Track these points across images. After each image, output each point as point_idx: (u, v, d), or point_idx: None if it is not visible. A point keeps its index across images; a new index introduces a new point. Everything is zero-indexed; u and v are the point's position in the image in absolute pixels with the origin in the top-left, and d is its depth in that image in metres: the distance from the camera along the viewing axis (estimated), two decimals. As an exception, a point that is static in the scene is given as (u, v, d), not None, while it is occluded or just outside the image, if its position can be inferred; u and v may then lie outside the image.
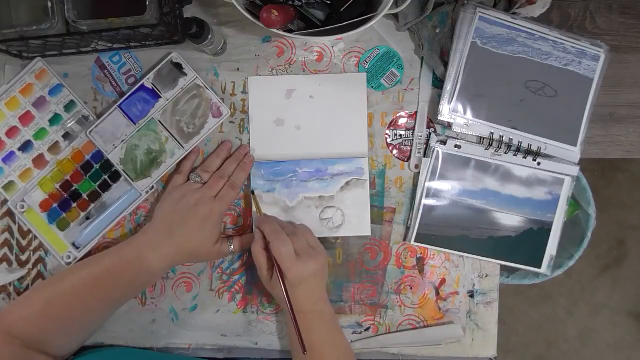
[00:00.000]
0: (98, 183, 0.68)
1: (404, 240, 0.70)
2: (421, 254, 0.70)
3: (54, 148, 0.68)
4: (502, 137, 0.67)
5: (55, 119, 0.68)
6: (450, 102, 0.67)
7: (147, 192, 0.68)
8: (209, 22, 0.61)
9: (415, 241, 0.69)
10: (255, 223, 0.64)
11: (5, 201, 0.68)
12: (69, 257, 0.68)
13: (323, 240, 0.69)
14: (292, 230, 0.63)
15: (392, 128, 0.70)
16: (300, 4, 0.60)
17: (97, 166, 0.68)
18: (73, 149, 0.68)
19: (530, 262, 0.69)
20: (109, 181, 0.68)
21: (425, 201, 0.68)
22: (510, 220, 0.68)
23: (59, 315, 0.60)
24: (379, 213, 0.69)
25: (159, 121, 0.67)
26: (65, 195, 0.68)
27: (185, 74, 0.67)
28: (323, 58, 0.69)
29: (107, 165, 0.68)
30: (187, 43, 0.67)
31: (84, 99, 0.69)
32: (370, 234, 0.69)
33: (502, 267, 0.70)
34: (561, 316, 1.56)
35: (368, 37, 0.69)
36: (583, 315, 1.56)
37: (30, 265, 0.69)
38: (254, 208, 0.68)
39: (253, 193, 0.68)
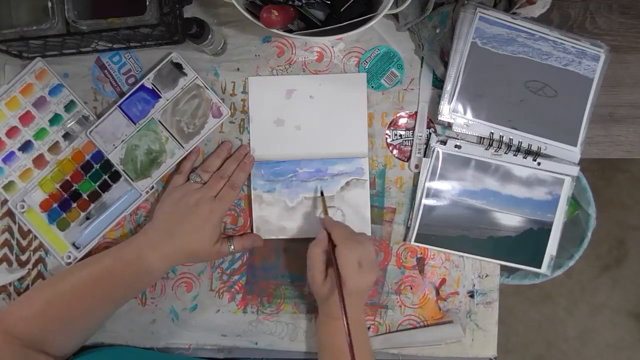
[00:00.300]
0: (98, 183, 0.68)
1: (404, 240, 0.70)
2: (421, 254, 0.70)
3: (54, 148, 0.68)
4: (502, 137, 0.67)
5: (55, 119, 0.68)
6: (450, 102, 0.67)
7: (147, 192, 0.68)
8: (209, 22, 0.61)
9: (415, 241, 0.69)
10: (323, 223, 0.63)
11: (5, 201, 0.68)
12: (69, 257, 0.68)
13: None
14: (359, 239, 0.61)
15: (392, 128, 0.70)
16: (300, 4, 0.60)
17: (97, 166, 0.68)
18: (73, 149, 0.68)
19: (530, 262, 0.69)
20: (109, 181, 0.68)
21: (425, 201, 0.68)
22: (510, 220, 0.68)
23: (59, 315, 0.60)
24: (379, 213, 0.69)
25: (159, 121, 0.67)
26: (65, 195, 0.68)
27: (185, 74, 0.67)
28: (323, 58, 0.69)
29: (107, 165, 0.68)
30: (187, 43, 0.67)
31: (84, 99, 0.69)
32: (370, 234, 0.69)
33: (502, 267, 0.70)
34: (561, 316, 1.56)
35: (368, 37, 0.69)
36: (583, 315, 1.56)
37: (30, 265, 0.69)
38: (319, 209, 0.68)
39: (322, 194, 0.68)
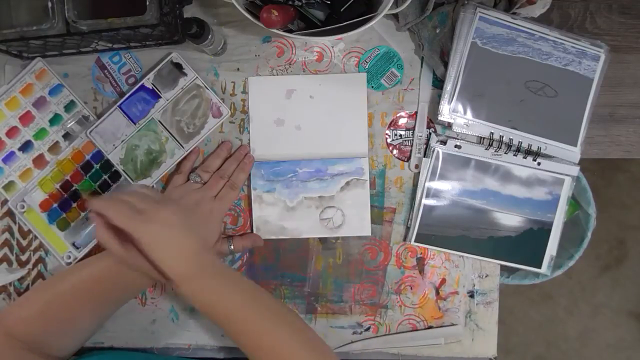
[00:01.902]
0: (98, 183, 0.68)
1: (404, 240, 0.70)
2: (421, 254, 0.70)
3: (54, 148, 0.68)
4: (502, 137, 0.67)
5: (55, 119, 0.68)
6: (450, 102, 0.67)
7: (147, 192, 0.68)
8: (209, 22, 0.61)
9: (415, 241, 0.69)
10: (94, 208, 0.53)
11: (5, 201, 0.68)
12: (69, 257, 0.68)
13: (323, 240, 0.69)
14: (127, 193, 0.55)
15: (392, 128, 0.70)
16: (300, 4, 0.60)
17: (97, 166, 0.68)
18: (73, 149, 0.68)
19: (530, 262, 0.69)
20: (109, 181, 0.68)
21: (425, 201, 0.68)
22: (510, 220, 0.68)
23: (59, 315, 0.60)
24: (379, 213, 0.69)
25: (159, 121, 0.68)
26: (66, 195, 0.68)
27: (185, 74, 0.67)
28: (323, 58, 0.69)
29: (107, 165, 0.68)
30: (187, 43, 0.67)
31: (84, 99, 0.69)
32: (370, 234, 0.69)
33: (502, 267, 0.70)
34: (561, 316, 1.56)
35: (368, 37, 0.69)
36: (583, 315, 1.56)
37: (30, 265, 0.69)
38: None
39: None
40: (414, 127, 0.69)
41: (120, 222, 0.51)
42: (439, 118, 0.67)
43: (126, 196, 0.54)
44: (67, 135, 0.68)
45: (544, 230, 0.69)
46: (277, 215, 0.69)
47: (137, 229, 0.51)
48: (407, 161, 0.70)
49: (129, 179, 0.67)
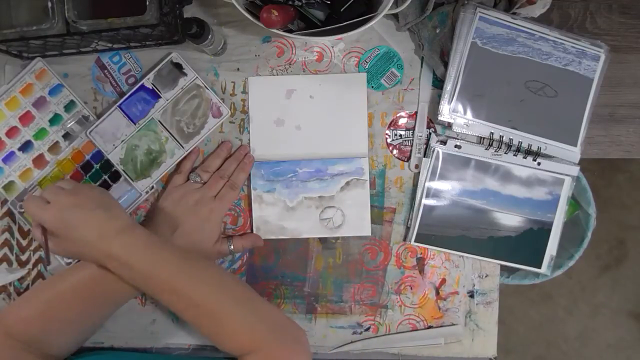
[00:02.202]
0: (98, 183, 0.68)
1: (404, 240, 0.70)
2: (421, 254, 0.70)
3: (54, 148, 0.68)
4: (502, 137, 0.67)
5: (55, 119, 0.68)
6: (450, 102, 0.67)
7: (147, 192, 0.68)
8: (209, 22, 0.61)
9: (415, 241, 0.69)
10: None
11: (5, 201, 0.68)
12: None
13: (323, 240, 0.69)
14: (45, 189, 0.58)
15: (392, 128, 0.70)
16: (300, 4, 0.60)
17: (97, 166, 0.68)
18: (73, 149, 0.68)
19: (530, 262, 0.69)
20: (109, 181, 0.68)
21: (425, 201, 0.68)
22: (510, 220, 0.68)
23: (59, 315, 0.60)
24: (379, 213, 0.69)
25: (159, 121, 0.67)
26: (65, 195, 0.68)
27: (185, 74, 0.67)
28: (323, 58, 0.69)
29: (107, 165, 0.68)
30: (187, 43, 0.67)
31: (84, 99, 0.69)
32: (370, 234, 0.69)
33: (502, 267, 0.70)
34: (561, 316, 1.56)
35: (368, 37, 0.69)
36: (583, 315, 1.56)
37: (30, 265, 0.69)
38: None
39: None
40: (414, 127, 0.69)
41: (31, 213, 0.56)
42: (439, 118, 0.67)
43: (44, 192, 0.57)
44: (67, 135, 0.68)
45: (544, 230, 0.69)
46: (277, 215, 0.69)
47: (42, 217, 0.55)
48: (407, 161, 0.70)
49: (128, 179, 0.67)
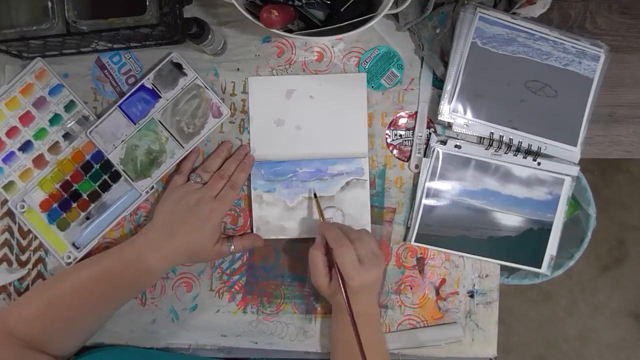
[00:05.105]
0: (98, 183, 0.68)
1: (404, 240, 0.70)
2: (421, 254, 0.70)
3: (54, 148, 0.68)
4: (502, 137, 0.67)
5: (55, 119, 0.68)
6: (450, 102, 0.67)
7: (147, 192, 0.68)
8: (209, 22, 0.61)
9: (415, 241, 0.69)
10: (318, 228, 0.64)
11: (5, 201, 0.68)
12: (69, 257, 0.68)
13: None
14: (356, 236, 0.61)
15: (392, 128, 0.70)
16: (300, 4, 0.60)
17: (97, 166, 0.68)
18: (73, 149, 0.68)
19: (530, 262, 0.69)
20: (109, 181, 0.68)
21: (425, 201, 0.68)
22: (510, 220, 0.68)
23: (60, 315, 0.60)
24: (379, 213, 0.69)
25: (159, 121, 0.67)
26: (65, 195, 0.68)
27: (185, 74, 0.67)
28: (323, 58, 0.69)
29: (107, 165, 0.68)
30: (187, 43, 0.67)
31: (84, 99, 0.69)
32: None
33: (502, 267, 0.70)
34: (561, 316, 1.56)
35: (368, 37, 0.69)
36: (583, 315, 1.56)
37: (30, 265, 0.69)
38: (315, 211, 0.68)
39: (315, 196, 0.68)
40: (414, 127, 0.69)
41: (342, 265, 0.59)
42: (439, 118, 0.67)
43: (357, 241, 0.60)
44: (67, 135, 0.68)
45: (544, 230, 0.69)
46: (277, 215, 0.69)
47: (353, 277, 0.59)
48: (407, 161, 0.70)
49: (129, 179, 0.67)
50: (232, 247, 0.66)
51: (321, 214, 0.67)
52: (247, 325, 0.69)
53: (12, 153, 0.68)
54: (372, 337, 0.61)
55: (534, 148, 0.67)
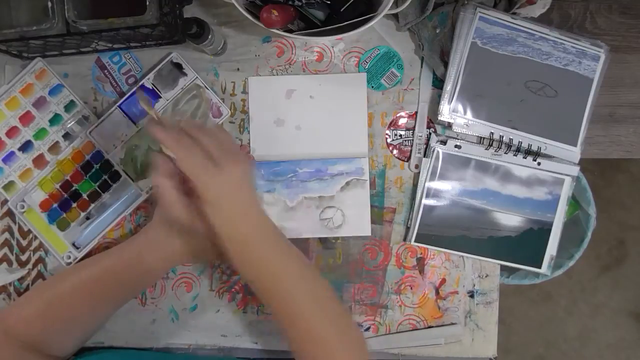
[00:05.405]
0: (98, 183, 0.68)
1: (404, 240, 0.70)
2: (421, 254, 0.70)
3: (54, 148, 0.68)
4: (502, 137, 0.67)
5: (55, 119, 0.68)
6: (450, 102, 0.67)
7: (147, 192, 0.68)
8: (209, 22, 0.61)
9: (415, 241, 0.69)
10: (144, 129, 0.47)
11: (5, 201, 0.68)
12: (69, 257, 0.68)
13: (323, 240, 0.69)
14: (198, 132, 0.48)
15: (392, 128, 0.70)
16: (300, 4, 0.60)
17: (97, 166, 0.68)
18: (73, 149, 0.68)
19: (530, 262, 0.69)
20: (109, 181, 0.68)
21: (425, 201, 0.68)
22: (510, 220, 0.68)
23: (59, 315, 0.60)
24: (379, 213, 0.69)
25: (159, 121, 0.68)
26: (65, 195, 0.68)
27: (185, 74, 0.67)
28: (323, 58, 0.69)
29: (107, 165, 0.68)
30: (187, 43, 0.67)
31: (84, 99, 0.69)
32: (370, 234, 0.69)
33: (502, 267, 0.70)
34: (561, 316, 1.56)
35: (368, 37, 0.69)
36: (583, 315, 1.56)
37: (30, 265, 0.69)
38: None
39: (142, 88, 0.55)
40: (414, 127, 0.69)
41: (191, 172, 0.44)
42: (439, 118, 0.67)
43: (202, 136, 0.46)
44: (67, 135, 0.68)
45: (544, 230, 0.69)
46: (277, 215, 0.69)
47: (208, 185, 0.45)
48: (407, 161, 0.70)
49: (129, 179, 0.67)
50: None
51: (149, 108, 0.50)
52: (247, 325, 0.69)
53: (12, 153, 0.68)
54: (269, 254, 0.49)
55: (534, 148, 0.67)
